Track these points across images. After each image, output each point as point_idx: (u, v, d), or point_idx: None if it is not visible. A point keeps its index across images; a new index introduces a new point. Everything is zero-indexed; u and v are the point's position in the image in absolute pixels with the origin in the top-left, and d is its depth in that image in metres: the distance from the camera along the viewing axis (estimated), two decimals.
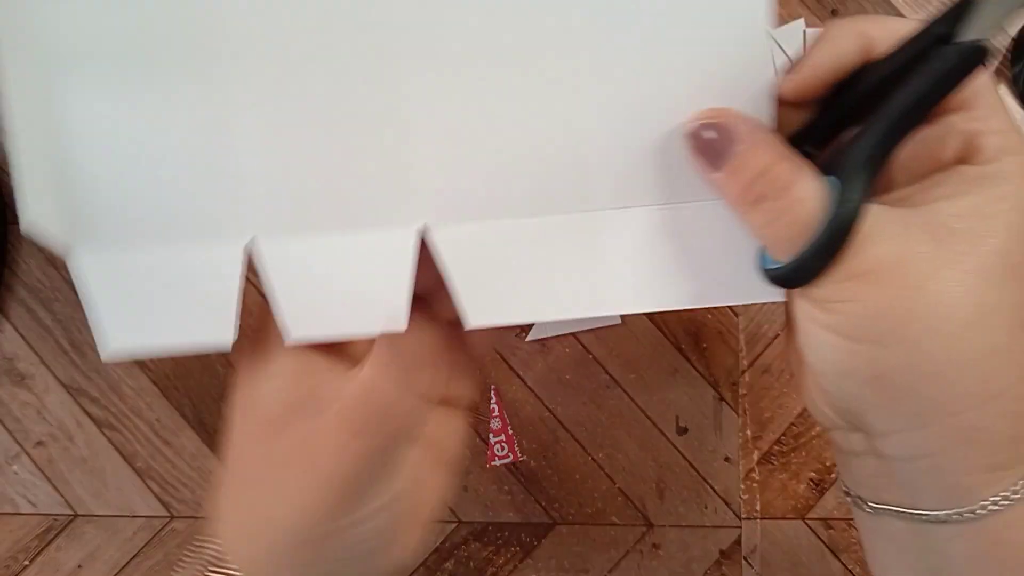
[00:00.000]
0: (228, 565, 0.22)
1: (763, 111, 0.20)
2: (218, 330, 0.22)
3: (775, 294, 0.20)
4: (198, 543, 0.23)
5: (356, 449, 0.21)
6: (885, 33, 0.20)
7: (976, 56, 0.18)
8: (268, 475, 0.22)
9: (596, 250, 0.21)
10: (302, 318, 0.22)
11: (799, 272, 0.19)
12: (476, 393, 0.29)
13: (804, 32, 0.53)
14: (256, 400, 0.22)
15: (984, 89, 0.19)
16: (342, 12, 0.20)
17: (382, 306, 0.22)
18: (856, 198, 0.18)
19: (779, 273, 0.19)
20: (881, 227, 0.18)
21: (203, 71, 0.21)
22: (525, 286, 0.22)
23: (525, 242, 0.21)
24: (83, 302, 0.22)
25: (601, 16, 0.20)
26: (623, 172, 0.21)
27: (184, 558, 0.23)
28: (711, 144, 0.19)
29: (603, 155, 0.21)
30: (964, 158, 0.19)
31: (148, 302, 0.22)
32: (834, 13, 0.53)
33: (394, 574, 0.24)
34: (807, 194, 0.18)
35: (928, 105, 0.19)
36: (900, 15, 0.53)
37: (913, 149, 0.20)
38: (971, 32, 0.18)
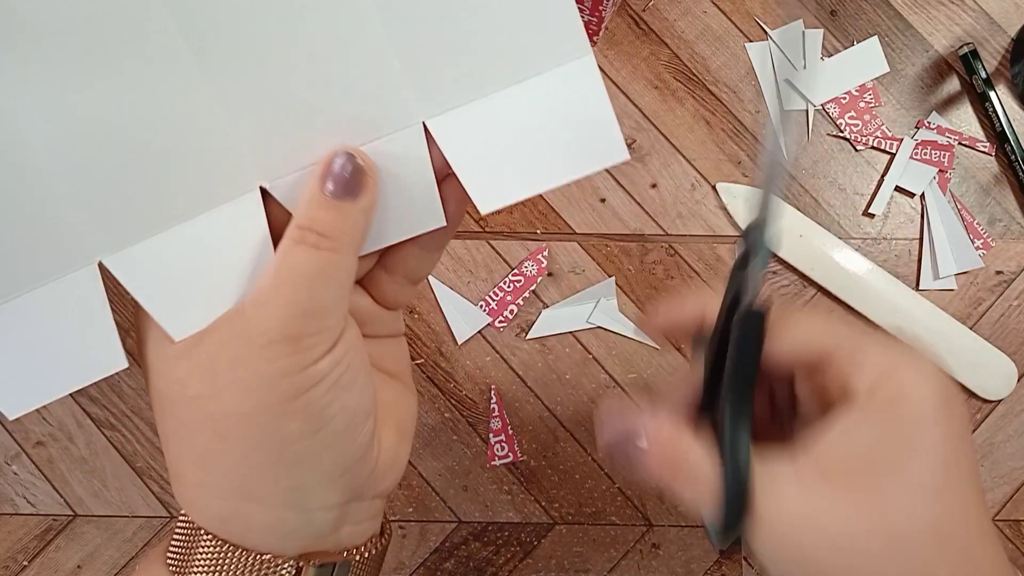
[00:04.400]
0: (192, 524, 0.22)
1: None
2: (107, 357, 0.21)
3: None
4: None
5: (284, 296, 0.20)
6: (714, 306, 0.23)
7: (755, 321, 0.22)
8: (196, 378, 0.21)
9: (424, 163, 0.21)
10: (180, 317, 0.21)
11: (728, 528, 0.21)
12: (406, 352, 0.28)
13: (803, 32, 0.53)
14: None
15: (839, 330, 0.22)
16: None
17: (254, 272, 0.21)
18: (741, 456, 0.21)
19: (716, 529, 0.21)
20: (772, 485, 0.20)
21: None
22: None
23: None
24: None
25: None
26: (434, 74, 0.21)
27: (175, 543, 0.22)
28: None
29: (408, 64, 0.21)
30: (844, 394, 0.21)
31: (23, 355, 0.21)
32: (833, 14, 0.53)
33: (370, 474, 0.23)
34: (699, 464, 0.21)
35: (748, 365, 0.22)
36: (899, 16, 0.54)
37: (806, 392, 0.23)
38: (749, 294, 0.22)
